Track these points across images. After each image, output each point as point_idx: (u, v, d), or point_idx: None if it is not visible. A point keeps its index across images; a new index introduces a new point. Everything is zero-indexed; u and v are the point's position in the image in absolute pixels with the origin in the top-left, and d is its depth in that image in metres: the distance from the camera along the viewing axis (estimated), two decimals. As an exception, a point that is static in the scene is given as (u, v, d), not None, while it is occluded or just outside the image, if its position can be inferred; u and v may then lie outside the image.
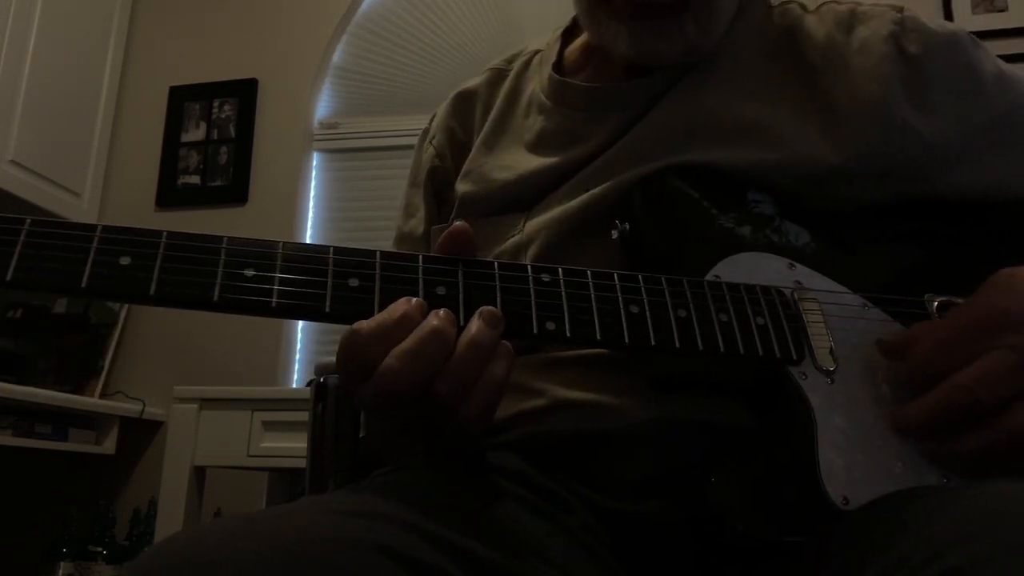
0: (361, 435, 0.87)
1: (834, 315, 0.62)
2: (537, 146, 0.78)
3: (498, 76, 0.88)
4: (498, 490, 0.57)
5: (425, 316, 0.49)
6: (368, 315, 0.49)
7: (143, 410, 2.57)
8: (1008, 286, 0.58)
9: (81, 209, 2.82)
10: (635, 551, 0.59)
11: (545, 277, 0.55)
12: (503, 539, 0.50)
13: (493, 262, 0.55)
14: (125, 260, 0.47)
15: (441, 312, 0.49)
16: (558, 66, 0.83)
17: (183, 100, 2.99)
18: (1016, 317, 0.56)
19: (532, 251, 0.72)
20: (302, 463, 0.93)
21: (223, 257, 0.49)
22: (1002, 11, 2.60)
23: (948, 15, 2.60)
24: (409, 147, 0.93)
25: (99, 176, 2.92)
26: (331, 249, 0.51)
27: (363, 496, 0.49)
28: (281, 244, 0.51)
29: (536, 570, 0.50)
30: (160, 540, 0.43)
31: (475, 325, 0.49)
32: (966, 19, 2.58)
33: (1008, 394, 0.54)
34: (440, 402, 0.48)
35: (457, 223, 0.54)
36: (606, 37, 0.74)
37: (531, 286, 0.54)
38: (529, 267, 0.55)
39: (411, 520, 0.45)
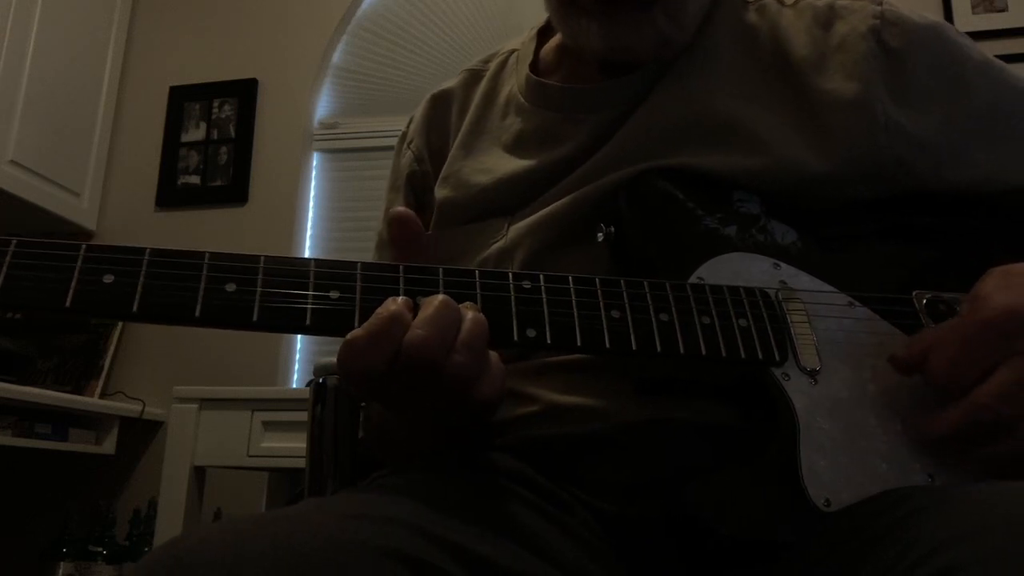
0: (360, 436, 0.87)
1: (819, 315, 0.62)
2: (515, 147, 0.78)
3: (474, 77, 0.87)
4: (500, 490, 0.57)
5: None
6: (349, 327, 0.50)
7: (143, 410, 2.57)
8: (1006, 285, 0.57)
9: (81, 209, 2.83)
10: (633, 552, 0.59)
11: (526, 284, 0.55)
12: (508, 540, 0.50)
13: (474, 270, 0.55)
14: (108, 278, 0.48)
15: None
16: (534, 66, 0.82)
17: (183, 100, 2.99)
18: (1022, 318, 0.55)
19: (518, 256, 0.72)
20: (302, 463, 0.93)
21: (205, 272, 0.50)
22: (1002, 11, 2.59)
23: (948, 15, 2.60)
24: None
25: (99, 176, 2.92)
26: (312, 262, 0.52)
27: (367, 497, 0.49)
28: (263, 258, 0.51)
29: (542, 571, 0.50)
30: (167, 540, 0.44)
31: (470, 311, 0.51)
32: (966, 19, 2.57)
33: None
34: (461, 374, 0.49)
35: (397, 208, 0.56)
36: (578, 36, 0.73)
37: (512, 293, 0.54)
38: (510, 274, 0.55)
39: (417, 522, 0.46)
